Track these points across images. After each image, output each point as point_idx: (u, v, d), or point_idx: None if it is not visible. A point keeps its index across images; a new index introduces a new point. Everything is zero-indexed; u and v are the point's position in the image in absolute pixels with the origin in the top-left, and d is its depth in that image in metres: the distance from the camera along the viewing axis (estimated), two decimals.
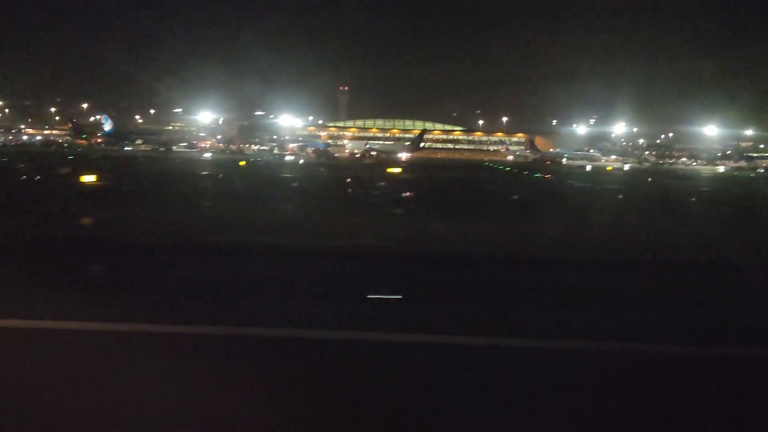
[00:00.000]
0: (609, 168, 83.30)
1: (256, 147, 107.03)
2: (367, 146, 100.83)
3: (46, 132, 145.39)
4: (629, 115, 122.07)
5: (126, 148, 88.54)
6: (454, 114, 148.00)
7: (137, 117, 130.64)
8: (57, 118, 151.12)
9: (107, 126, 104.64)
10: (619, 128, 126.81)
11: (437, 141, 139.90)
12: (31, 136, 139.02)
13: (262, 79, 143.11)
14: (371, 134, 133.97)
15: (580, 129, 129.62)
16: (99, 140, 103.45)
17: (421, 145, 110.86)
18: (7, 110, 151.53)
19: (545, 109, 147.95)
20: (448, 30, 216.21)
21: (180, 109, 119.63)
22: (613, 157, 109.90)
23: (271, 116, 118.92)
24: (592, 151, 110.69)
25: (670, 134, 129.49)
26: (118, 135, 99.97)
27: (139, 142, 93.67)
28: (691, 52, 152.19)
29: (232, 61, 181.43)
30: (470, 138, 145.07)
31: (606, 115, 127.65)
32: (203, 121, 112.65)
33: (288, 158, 79.46)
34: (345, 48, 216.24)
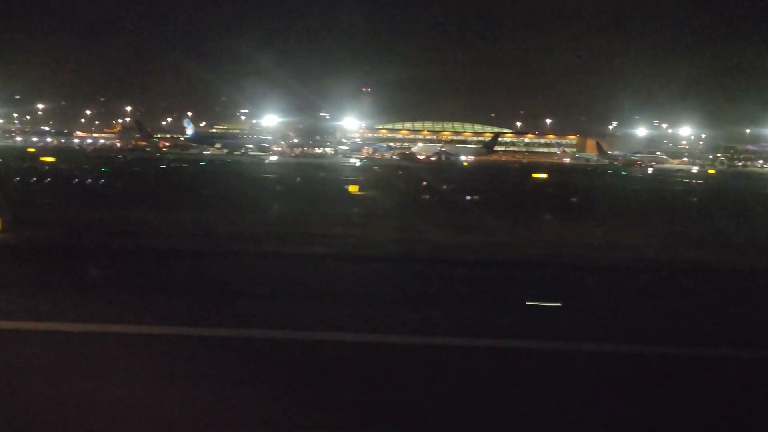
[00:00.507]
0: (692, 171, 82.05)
1: (320, 150, 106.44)
2: (442, 149, 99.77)
3: (94, 135, 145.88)
4: (690, 116, 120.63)
5: (205, 152, 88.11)
6: (493, 115, 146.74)
7: (206, 121, 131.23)
8: (97, 121, 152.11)
9: (189, 130, 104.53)
10: (684, 130, 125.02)
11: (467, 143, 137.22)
12: (81, 139, 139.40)
13: (320, 81, 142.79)
14: (424, 137, 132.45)
15: (640, 131, 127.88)
16: (165, 144, 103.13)
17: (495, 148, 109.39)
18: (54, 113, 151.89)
19: (595, 110, 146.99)
20: (492, 31, 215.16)
21: (246, 112, 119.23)
22: (685, 159, 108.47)
23: (328, 118, 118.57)
24: (659, 153, 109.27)
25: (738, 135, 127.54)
26: (199, 139, 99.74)
27: (218, 146, 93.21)
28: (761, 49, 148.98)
29: (291, 63, 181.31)
30: (522, 140, 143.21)
31: (664, 116, 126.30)
32: (268, 125, 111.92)
33: (354, 161, 78.03)
34: (383, 49, 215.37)
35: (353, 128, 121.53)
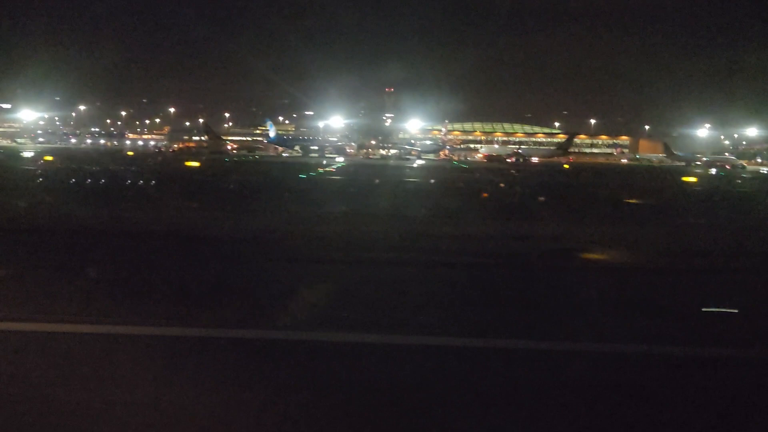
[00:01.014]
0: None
1: (385, 151, 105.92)
2: (519, 150, 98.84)
3: (145, 137, 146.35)
4: (750, 116, 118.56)
5: (284, 154, 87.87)
6: (528, 115, 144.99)
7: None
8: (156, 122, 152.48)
9: (272, 132, 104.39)
10: (751, 131, 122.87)
11: (540, 144, 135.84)
12: (132, 140, 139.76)
13: (382, 83, 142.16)
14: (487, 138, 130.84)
15: (700, 132, 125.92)
16: (233, 147, 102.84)
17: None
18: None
19: (647, 111, 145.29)
20: (536, 31, 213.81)
21: (313, 114, 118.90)
22: (759, 160, 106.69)
23: (390, 119, 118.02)
24: (726, 154, 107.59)
25: None
26: (280, 141, 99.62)
27: (297, 148, 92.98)
28: None
29: (356, 65, 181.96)
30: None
31: (722, 117, 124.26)
32: (335, 126, 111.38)
33: (418, 162, 76.96)
34: (440, 51, 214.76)
35: (416, 129, 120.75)
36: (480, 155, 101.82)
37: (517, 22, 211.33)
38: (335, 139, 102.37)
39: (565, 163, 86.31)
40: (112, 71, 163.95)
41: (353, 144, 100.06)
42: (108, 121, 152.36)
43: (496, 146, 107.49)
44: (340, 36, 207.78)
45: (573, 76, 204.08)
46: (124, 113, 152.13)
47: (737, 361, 6.80)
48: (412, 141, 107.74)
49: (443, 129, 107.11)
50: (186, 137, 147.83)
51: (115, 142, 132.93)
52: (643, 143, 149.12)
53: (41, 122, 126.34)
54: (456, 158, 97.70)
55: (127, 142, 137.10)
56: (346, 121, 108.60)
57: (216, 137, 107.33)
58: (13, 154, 61.94)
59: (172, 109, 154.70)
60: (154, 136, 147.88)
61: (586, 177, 50.90)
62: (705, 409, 5.66)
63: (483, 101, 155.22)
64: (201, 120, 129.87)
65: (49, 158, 51.93)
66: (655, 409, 5.61)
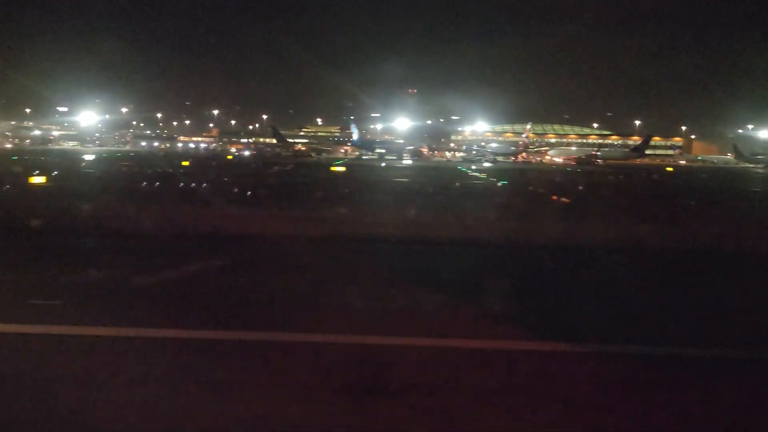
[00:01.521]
0: None
1: (450, 153, 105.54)
2: (597, 152, 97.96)
3: (195, 139, 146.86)
4: None
5: (364, 157, 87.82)
6: (566, 116, 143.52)
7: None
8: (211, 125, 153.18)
9: (355, 135, 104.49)
10: None
11: (592, 146, 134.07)
12: (184, 143, 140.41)
13: (444, 85, 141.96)
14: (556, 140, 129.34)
15: (762, 132, 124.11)
16: (302, 149, 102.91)
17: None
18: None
19: (700, 112, 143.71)
20: (582, 30, 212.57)
21: (377, 116, 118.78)
22: None
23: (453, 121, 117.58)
24: None
25: None
26: (363, 144, 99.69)
27: (378, 150, 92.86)
28: None
29: (419, 67, 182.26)
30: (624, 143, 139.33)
31: None
32: (400, 129, 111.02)
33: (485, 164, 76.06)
34: (494, 54, 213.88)
35: (480, 131, 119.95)
36: (548, 158, 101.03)
37: (577, 25, 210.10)
38: (402, 141, 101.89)
39: (668, 167, 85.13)
40: (164, 75, 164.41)
41: (426, 147, 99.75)
42: (160, 124, 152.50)
43: (573, 148, 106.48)
44: (403, 38, 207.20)
45: (623, 77, 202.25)
46: (181, 117, 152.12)
47: None
48: (482, 143, 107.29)
49: (525, 132, 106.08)
50: (234, 139, 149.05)
51: (167, 145, 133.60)
52: (697, 144, 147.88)
53: (99, 126, 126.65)
54: (533, 160, 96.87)
55: (179, 144, 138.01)
56: (415, 124, 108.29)
57: (284, 139, 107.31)
58: (99, 158, 61.47)
59: (215, 111, 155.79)
60: (204, 138, 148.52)
61: (722, 180, 50.00)
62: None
63: (550, 103, 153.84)
64: (268, 123, 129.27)
65: (185, 163, 51.77)
66: None
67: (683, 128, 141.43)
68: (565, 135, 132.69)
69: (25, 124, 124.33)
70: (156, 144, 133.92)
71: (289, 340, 7.06)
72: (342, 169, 49.09)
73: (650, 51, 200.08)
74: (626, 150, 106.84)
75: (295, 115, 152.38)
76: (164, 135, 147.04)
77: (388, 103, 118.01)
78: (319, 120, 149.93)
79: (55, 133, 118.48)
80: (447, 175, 45.04)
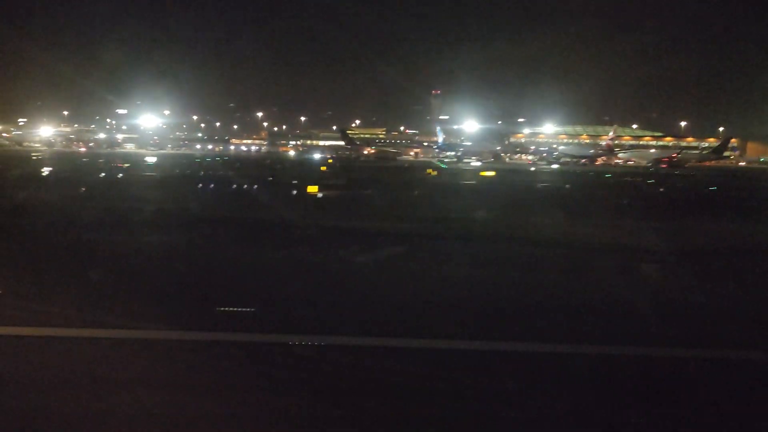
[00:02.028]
0: None
1: (519, 156, 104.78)
2: (679, 154, 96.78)
3: (246, 142, 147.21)
4: None
5: (446, 160, 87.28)
6: (605, 118, 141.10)
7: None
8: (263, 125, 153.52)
9: (440, 138, 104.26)
10: None
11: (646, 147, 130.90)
12: (236, 145, 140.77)
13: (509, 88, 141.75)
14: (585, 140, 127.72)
15: None
16: (370, 152, 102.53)
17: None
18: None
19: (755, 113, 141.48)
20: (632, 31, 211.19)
21: (447, 118, 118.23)
22: None
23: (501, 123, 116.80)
24: None
25: None
26: (447, 147, 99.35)
27: (459, 154, 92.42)
28: None
29: (486, 69, 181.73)
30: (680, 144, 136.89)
31: None
32: (469, 131, 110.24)
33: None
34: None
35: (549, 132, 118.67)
36: (620, 161, 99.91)
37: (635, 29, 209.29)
38: (482, 144, 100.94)
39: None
40: (214, 77, 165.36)
41: (499, 149, 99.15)
42: (214, 126, 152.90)
43: (653, 151, 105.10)
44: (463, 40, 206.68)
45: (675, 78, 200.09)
46: (232, 120, 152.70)
47: None
48: (554, 145, 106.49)
49: (611, 133, 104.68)
50: (283, 141, 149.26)
51: (220, 147, 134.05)
52: (752, 146, 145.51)
53: (160, 128, 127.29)
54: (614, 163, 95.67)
55: (231, 147, 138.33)
56: (483, 126, 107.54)
57: (353, 142, 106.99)
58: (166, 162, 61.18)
59: (259, 114, 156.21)
60: (255, 141, 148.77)
61: None
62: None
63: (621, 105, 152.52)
64: (338, 126, 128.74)
65: (432, 172, 50.71)
66: None
67: (720, 129, 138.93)
68: (641, 137, 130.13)
69: (90, 127, 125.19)
70: (210, 147, 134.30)
71: None
72: (491, 173, 48.65)
73: (714, 53, 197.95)
74: (704, 152, 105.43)
75: (333, 117, 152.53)
76: (215, 138, 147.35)
77: (454, 106, 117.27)
78: (357, 121, 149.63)
79: (119, 136, 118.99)
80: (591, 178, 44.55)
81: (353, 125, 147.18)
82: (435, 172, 49.97)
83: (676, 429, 5.48)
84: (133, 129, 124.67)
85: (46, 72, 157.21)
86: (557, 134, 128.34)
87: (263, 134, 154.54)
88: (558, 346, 7.16)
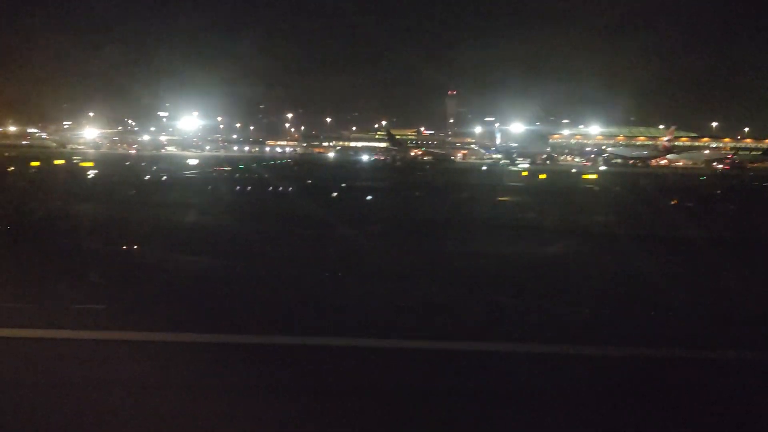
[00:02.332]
0: None
1: (565, 158, 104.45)
2: (734, 155, 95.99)
3: (280, 143, 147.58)
4: None
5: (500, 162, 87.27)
6: (632, 119, 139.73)
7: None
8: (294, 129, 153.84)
9: (498, 140, 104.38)
10: None
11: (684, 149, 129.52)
12: (271, 147, 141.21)
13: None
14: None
15: None
16: (417, 153, 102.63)
17: None
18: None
19: None
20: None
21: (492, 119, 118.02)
22: None
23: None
24: None
25: None
26: (502, 150, 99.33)
27: (515, 157, 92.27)
28: None
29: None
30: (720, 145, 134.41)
31: None
32: (515, 132, 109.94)
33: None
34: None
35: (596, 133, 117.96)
36: (664, 162, 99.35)
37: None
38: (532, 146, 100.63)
39: None
40: (245, 80, 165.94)
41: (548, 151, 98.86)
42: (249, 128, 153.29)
43: (707, 152, 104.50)
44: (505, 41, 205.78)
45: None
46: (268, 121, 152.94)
47: None
48: (602, 146, 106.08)
49: (668, 134, 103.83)
50: (316, 143, 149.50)
51: (256, 149, 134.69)
52: None
53: (199, 131, 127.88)
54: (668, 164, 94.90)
55: (266, 149, 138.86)
56: (530, 127, 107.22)
57: (399, 143, 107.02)
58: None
59: (289, 115, 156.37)
60: (289, 142, 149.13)
61: None
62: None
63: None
64: (384, 125, 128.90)
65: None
66: None
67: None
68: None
69: (133, 129, 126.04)
70: (246, 148, 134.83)
71: None
72: (594, 176, 48.89)
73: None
74: (756, 153, 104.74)
75: (358, 118, 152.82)
76: (250, 139, 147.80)
77: (500, 107, 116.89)
78: (383, 122, 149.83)
79: (163, 138, 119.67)
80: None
81: (376, 126, 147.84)
82: (525, 173, 50.08)
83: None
84: (173, 131, 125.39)
85: (89, 74, 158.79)
86: (605, 135, 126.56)
87: (296, 136, 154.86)
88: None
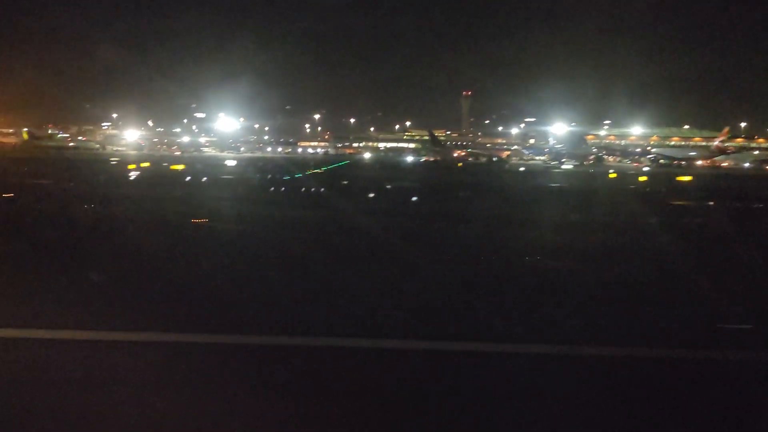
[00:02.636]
0: None
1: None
2: None
3: (312, 144, 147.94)
4: None
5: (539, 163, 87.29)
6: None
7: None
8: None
9: (549, 141, 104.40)
10: None
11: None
12: (304, 148, 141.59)
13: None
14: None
15: None
16: (460, 155, 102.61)
17: None
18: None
19: None
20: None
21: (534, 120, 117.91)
22: None
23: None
24: None
25: None
26: (553, 154, 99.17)
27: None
28: None
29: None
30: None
31: None
32: (556, 133, 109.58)
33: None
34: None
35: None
36: (705, 163, 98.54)
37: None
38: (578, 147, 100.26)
39: None
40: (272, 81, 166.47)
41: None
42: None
43: (756, 152, 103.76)
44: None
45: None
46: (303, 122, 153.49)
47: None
48: (647, 147, 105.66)
49: (722, 136, 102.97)
50: (347, 144, 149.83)
51: (288, 150, 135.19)
52: None
53: (234, 132, 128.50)
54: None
55: (299, 149, 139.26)
56: (573, 128, 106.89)
57: (442, 144, 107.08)
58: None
59: (316, 116, 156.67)
60: (319, 143, 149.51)
61: None
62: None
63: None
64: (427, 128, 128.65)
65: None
66: None
67: None
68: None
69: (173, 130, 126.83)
70: (279, 149, 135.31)
71: None
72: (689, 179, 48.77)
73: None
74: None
75: (381, 118, 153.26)
76: (281, 140, 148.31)
77: (541, 107, 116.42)
78: (408, 123, 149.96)
79: (202, 140, 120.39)
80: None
81: (396, 127, 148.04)
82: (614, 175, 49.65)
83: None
84: (210, 132, 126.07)
85: (128, 76, 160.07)
86: (647, 136, 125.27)
87: (326, 136, 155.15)
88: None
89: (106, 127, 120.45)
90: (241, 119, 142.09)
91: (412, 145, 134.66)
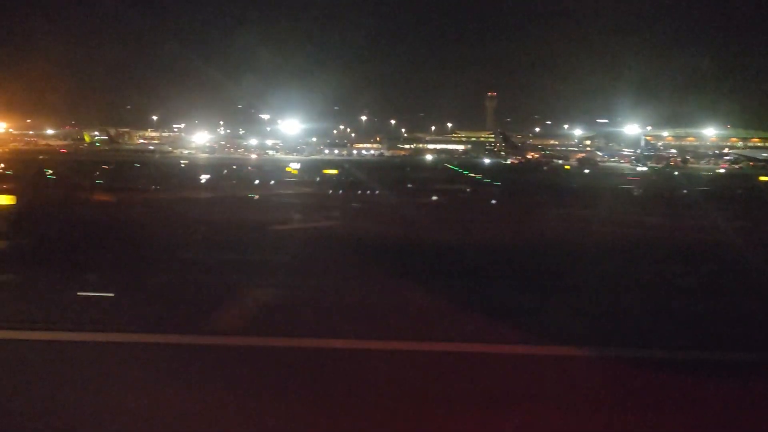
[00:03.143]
0: None
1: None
2: None
3: (366, 146, 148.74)
4: None
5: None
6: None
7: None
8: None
9: (641, 143, 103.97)
10: None
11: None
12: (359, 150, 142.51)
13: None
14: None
15: None
16: (533, 156, 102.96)
17: None
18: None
19: None
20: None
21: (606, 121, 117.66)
22: None
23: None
24: None
25: None
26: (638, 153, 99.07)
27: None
28: None
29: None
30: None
31: None
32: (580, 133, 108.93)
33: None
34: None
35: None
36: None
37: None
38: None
39: None
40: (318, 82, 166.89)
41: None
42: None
43: None
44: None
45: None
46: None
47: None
48: (724, 149, 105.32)
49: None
50: (399, 146, 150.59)
51: (344, 152, 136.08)
52: None
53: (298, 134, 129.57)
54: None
55: (354, 152, 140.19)
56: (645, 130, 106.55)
57: (515, 146, 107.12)
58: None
59: (363, 118, 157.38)
60: (372, 145, 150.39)
61: None
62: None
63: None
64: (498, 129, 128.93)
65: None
66: None
67: None
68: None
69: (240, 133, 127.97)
70: (336, 151, 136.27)
71: None
72: None
73: None
74: None
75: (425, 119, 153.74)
76: (336, 143, 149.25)
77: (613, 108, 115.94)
78: (449, 124, 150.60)
79: (269, 142, 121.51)
80: None
81: (434, 129, 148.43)
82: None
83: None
84: (274, 135, 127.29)
85: (195, 80, 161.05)
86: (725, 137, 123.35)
87: (377, 138, 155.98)
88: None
89: (176, 130, 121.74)
90: (293, 121, 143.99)
91: (460, 147, 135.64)
